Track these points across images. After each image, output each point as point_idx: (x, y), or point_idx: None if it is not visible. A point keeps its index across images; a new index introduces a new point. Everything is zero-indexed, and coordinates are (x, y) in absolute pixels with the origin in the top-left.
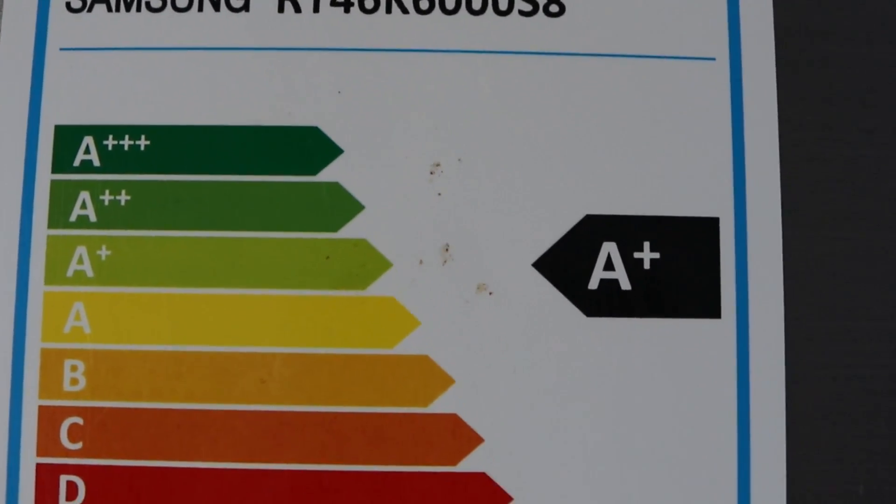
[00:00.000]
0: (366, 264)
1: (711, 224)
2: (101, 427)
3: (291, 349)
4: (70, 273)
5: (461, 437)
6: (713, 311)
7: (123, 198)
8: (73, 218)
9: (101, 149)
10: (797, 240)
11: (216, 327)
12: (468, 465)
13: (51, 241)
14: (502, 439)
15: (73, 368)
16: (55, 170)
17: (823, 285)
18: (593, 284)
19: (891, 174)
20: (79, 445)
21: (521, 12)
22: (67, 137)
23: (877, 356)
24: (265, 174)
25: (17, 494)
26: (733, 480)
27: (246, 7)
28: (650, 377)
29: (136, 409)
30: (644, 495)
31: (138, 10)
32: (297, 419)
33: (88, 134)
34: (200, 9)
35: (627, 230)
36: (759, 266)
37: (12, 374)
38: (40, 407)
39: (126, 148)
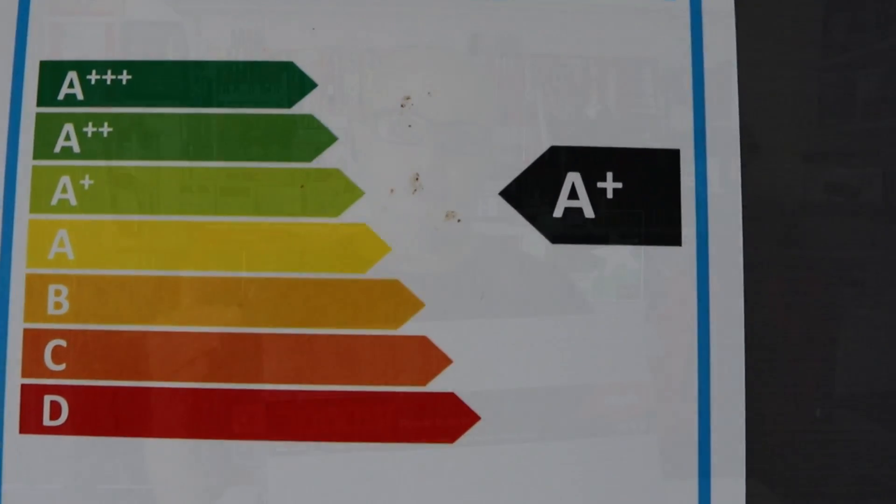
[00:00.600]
0: (338, 193)
1: (672, 155)
2: (84, 349)
3: (267, 274)
4: (54, 202)
5: (431, 358)
6: (674, 238)
7: (106, 130)
8: (57, 149)
9: (85, 83)
10: (755, 171)
11: (195, 253)
12: (437, 385)
13: (36, 171)
14: (470, 361)
15: (58, 293)
16: (40, 103)
17: (780, 215)
18: (558, 213)
19: (847, 110)
20: (62, 367)
21: None
22: (52, 72)
23: (833, 285)
24: (242, 107)
25: (3, 415)
26: (694, 403)
27: None
28: (613, 302)
29: (117, 332)
30: (608, 414)
31: None
32: (272, 341)
33: (72, 69)
34: None
35: (591, 161)
36: (718, 196)
37: None
38: (25, 330)
39: (108, 82)
